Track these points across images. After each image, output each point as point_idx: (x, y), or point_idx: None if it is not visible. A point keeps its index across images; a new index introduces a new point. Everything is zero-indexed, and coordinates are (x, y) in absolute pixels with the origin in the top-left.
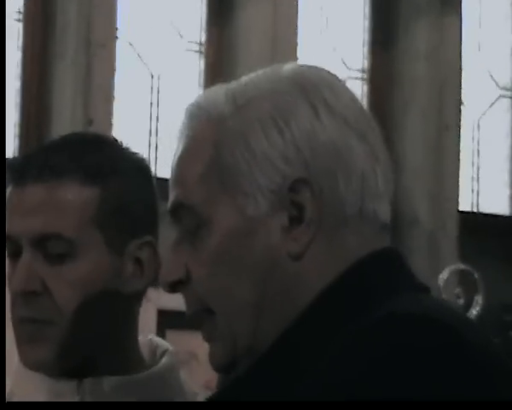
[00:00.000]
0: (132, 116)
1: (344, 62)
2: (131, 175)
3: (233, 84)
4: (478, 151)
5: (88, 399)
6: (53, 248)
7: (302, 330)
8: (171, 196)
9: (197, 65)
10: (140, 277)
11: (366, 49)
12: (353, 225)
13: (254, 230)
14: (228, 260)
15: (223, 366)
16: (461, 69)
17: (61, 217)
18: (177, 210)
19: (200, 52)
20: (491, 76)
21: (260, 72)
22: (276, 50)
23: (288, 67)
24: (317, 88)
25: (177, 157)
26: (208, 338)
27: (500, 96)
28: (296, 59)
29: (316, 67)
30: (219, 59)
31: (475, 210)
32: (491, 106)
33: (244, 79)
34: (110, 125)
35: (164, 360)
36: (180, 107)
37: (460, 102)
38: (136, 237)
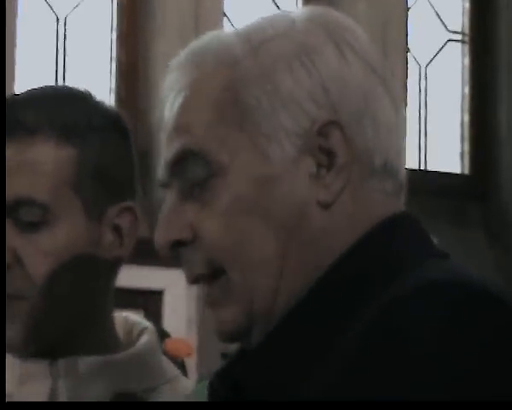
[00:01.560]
0: (37, 64)
1: (274, 2)
2: (110, 134)
3: (244, 27)
4: (425, 102)
5: (62, 381)
6: (25, 214)
7: (324, 295)
8: (174, 146)
9: (109, 7)
10: (119, 246)
11: None
12: (379, 178)
13: (278, 177)
14: (248, 211)
15: (235, 333)
16: (407, 10)
17: (34, 180)
18: (183, 159)
19: None
20: (439, 18)
21: (269, 15)
22: None
23: (303, 9)
24: (340, 30)
25: (178, 104)
26: (218, 303)
27: (449, 40)
28: None
29: (330, 10)
30: None
31: (423, 168)
32: (438, 51)
33: (256, 21)
34: (12, 75)
35: (143, 339)
36: (90, 54)
37: (406, 48)
38: (116, 203)
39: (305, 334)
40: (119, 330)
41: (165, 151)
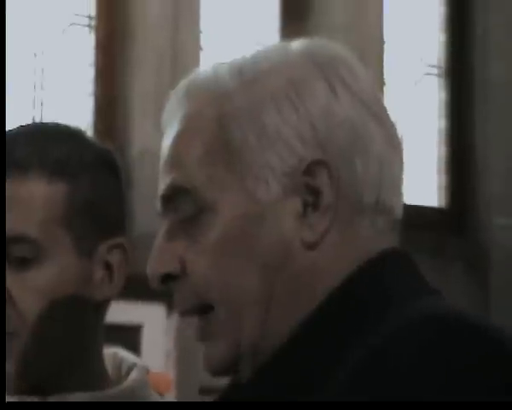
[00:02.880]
0: (13, 99)
1: (252, 37)
2: (100, 170)
3: (237, 60)
4: (402, 136)
5: None
6: (18, 251)
7: (317, 330)
8: (166, 181)
9: (87, 43)
10: (109, 283)
11: (277, 21)
12: (369, 216)
13: (265, 216)
14: (234, 249)
15: (222, 368)
16: (383, 44)
17: (26, 216)
18: (173, 195)
19: (90, 26)
20: (416, 51)
21: (266, 47)
22: (179, 19)
23: (298, 42)
24: (333, 64)
25: (171, 138)
26: (205, 337)
27: (425, 73)
28: (199, 28)
29: (329, 43)
30: (112, 31)
31: None
32: (415, 85)
33: (248, 54)
34: None
35: (133, 375)
36: (67, 89)
37: (382, 82)
38: (107, 239)
39: (294, 372)
40: (109, 366)
41: (160, 184)
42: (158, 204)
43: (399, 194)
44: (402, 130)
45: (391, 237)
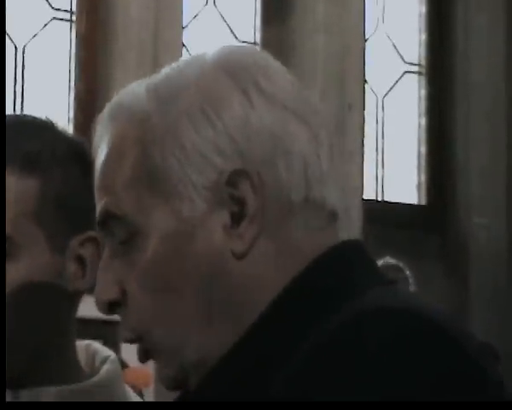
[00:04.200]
0: None
1: (233, 33)
2: (73, 163)
3: (154, 78)
4: (382, 133)
5: None
6: None
7: (262, 339)
8: (99, 206)
9: (68, 37)
10: (82, 277)
11: (258, 18)
12: (300, 215)
13: (193, 232)
14: (166, 271)
15: (173, 386)
16: (364, 42)
17: None
18: (107, 220)
19: (71, 21)
20: (396, 49)
21: (182, 60)
22: (160, 16)
23: (212, 52)
24: (247, 71)
25: (99, 163)
26: (150, 358)
27: (406, 71)
28: (181, 24)
29: (245, 48)
30: (93, 26)
31: (380, 198)
32: (396, 82)
33: (165, 70)
34: None
35: (106, 367)
36: (48, 83)
37: (364, 79)
38: (79, 233)
39: (243, 371)
40: (82, 358)
41: (96, 209)
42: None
43: (331, 187)
44: (382, 127)
45: (330, 231)
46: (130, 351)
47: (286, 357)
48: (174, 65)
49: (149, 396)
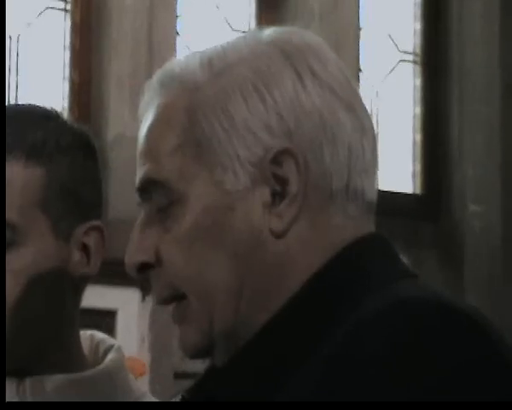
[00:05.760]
0: None
1: (228, 22)
2: (77, 153)
3: (208, 50)
4: (377, 122)
5: (29, 400)
6: None
7: (292, 319)
8: (140, 172)
9: (63, 26)
10: (86, 265)
11: (253, 7)
12: (339, 202)
13: (233, 206)
14: (204, 239)
15: (195, 352)
16: (359, 31)
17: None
18: (147, 186)
19: (66, 10)
20: (391, 38)
21: (238, 37)
22: (154, 4)
23: (269, 30)
24: (301, 53)
25: (145, 129)
26: (179, 322)
27: (401, 60)
28: (175, 13)
29: (300, 31)
30: (87, 15)
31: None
32: (391, 71)
33: (221, 44)
34: None
35: (110, 356)
36: (43, 73)
37: (358, 68)
38: (84, 222)
39: (273, 356)
40: (85, 348)
41: (137, 175)
42: (136, 194)
43: (372, 178)
44: (377, 116)
45: (365, 222)
46: (125, 340)
47: (314, 342)
48: (230, 40)
49: (144, 386)
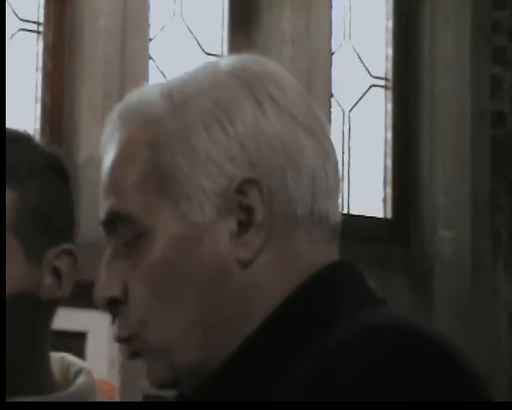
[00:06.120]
0: None
1: (200, 45)
2: (49, 176)
3: (168, 82)
4: (349, 147)
5: None
6: None
7: (259, 347)
8: (105, 206)
9: (35, 47)
10: (58, 288)
11: (226, 31)
12: (305, 228)
13: (199, 237)
14: (170, 273)
15: (162, 386)
16: (331, 55)
17: None
18: (113, 221)
19: (38, 32)
20: (363, 63)
21: (197, 67)
22: (127, 27)
23: (226, 60)
24: (260, 81)
25: (108, 164)
26: (141, 357)
27: (372, 85)
28: (148, 36)
29: (258, 58)
30: (60, 38)
31: (345, 212)
32: (362, 96)
33: (180, 75)
34: None
35: (80, 379)
36: (15, 94)
37: (330, 92)
38: (55, 245)
39: (241, 384)
40: (56, 370)
41: (100, 209)
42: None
43: (335, 202)
44: (349, 141)
45: (330, 247)
46: (95, 362)
47: (283, 368)
48: (189, 70)
49: None
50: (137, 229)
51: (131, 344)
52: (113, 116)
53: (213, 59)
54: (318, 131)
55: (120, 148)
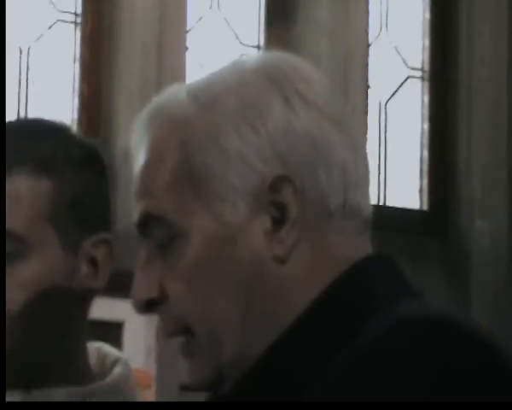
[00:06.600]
0: None
1: (237, 37)
2: (86, 166)
3: (194, 83)
4: (385, 138)
5: None
6: (7, 247)
7: (297, 340)
8: (138, 209)
9: (73, 39)
10: (94, 278)
11: (262, 22)
12: (338, 221)
13: (234, 236)
14: (207, 272)
15: (203, 386)
16: (368, 47)
17: (12, 212)
18: (147, 223)
19: (76, 23)
20: (400, 54)
21: (222, 67)
22: (165, 16)
23: (252, 58)
24: (287, 77)
25: (139, 166)
26: (188, 356)
27: (409, 76)
28: (185, 27)
29: (282, 54)
30: (98, 29)
31: (382, 203)
32: (399, 87)
33: (206, 76)
34: None
35: (117, 369)
36: (53, 86)
37: (367, 84)
38: (92, 235)
39: (279, 376)
40: (92, 360)
41: (134, 212)
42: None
43: (366, 195)
44: (385, 132)
45: (364, 239)
46: (132, 352)
47: (319, 364)
48: (215, 71)
49: (150, 398)
50: (172, 230)
51: (184, 342)
52: (142, 119)
53: (250, 50)
54: (346, 123)
55: (151, 150)
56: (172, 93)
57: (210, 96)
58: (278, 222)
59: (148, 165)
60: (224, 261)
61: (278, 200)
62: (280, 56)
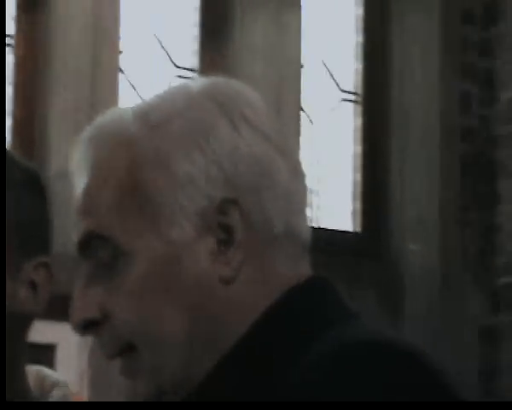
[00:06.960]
0: None
1: (170, 58)
2: (26, 189)
3: (139, 105)
4: (317, 161)
5: None
6: None
7: (237, 361)
8: (81, 227)
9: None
10: (34, 301)
11: (196, 45)
12: (281, 245)
13: (180, 256)
14: (152, 291)
15: (144, 400)
16: (300, 70)
17: None
18: (89, 242)
19: (10, 45)
20: (333, 78)
21: (168, 90)
22: (98, 39)
23: (198, 82)
24: (234, 102)
25: (82, 186)
26: (131, 374)
27: (342, 99)
28: (118, 49)
29: (228, 80)
30: (31, 51)
31: (315, 225)
32: (332, 110)
33: (152, 98)
34: None
35: (55, 392)
36: None
37: (300, 107)
38: (32, 258)
39: (225, 394)
40: (31, 382)
41: (75, 230)
42: (76, 250)
43: (305, 219)
44: (318, 155)
45: (304, 262)
46: (65, 375)
47: (260, 385)
48: (161, 93)
49: None
50: (116, 249)
51: (126, 360)
52: (84, 139)
53: (183, 72)
54: (288, 150)
55: (95, 169)
56: (117, 114)
57: (158, 118)
58: (224, 244)
59: (93, 183)
60: (169, 281)
61: (225, 222)
62: (226, 81)
